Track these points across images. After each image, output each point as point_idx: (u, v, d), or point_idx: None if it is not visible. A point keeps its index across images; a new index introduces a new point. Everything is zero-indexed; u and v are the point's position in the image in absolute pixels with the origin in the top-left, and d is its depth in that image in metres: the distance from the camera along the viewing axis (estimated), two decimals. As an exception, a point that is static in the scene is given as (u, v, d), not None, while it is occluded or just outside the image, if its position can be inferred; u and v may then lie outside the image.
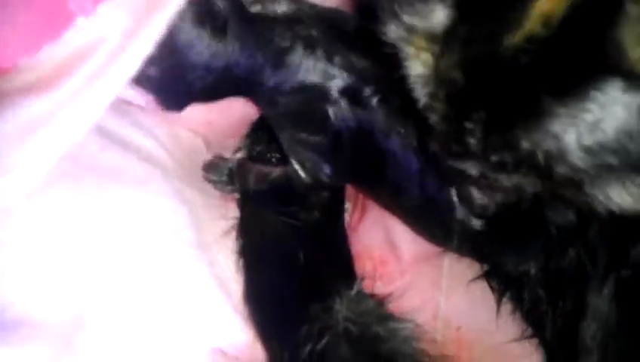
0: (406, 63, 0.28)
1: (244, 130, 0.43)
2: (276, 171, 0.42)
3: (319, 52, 0.34)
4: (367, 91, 0.35)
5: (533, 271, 0.36)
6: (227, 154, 0.45)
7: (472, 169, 0.30)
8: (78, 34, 0.30)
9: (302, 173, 0.39)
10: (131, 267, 0.31)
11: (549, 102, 0.24)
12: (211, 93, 0.35)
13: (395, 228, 0.41)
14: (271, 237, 0.37)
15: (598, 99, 0.23)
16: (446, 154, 0.30)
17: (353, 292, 0.33)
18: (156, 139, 0.39)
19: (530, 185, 0.29)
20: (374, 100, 0.35)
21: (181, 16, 0.30)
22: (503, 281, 0.40)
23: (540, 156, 0.25)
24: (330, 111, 0.35)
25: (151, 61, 0.30)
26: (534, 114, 0.25)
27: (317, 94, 0.35)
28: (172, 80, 0.34)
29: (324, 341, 0.30)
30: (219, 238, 0.36)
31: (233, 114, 0.41)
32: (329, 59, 0.35)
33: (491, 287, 0.41)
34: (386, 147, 0.36)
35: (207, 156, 0.44)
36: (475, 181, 0.32)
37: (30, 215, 0.30)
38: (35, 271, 0.30)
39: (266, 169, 0.43)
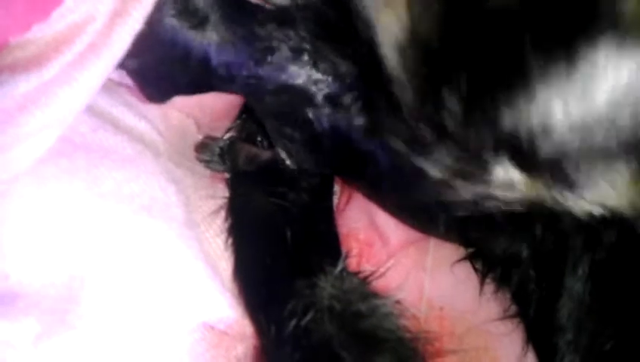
0: (379, 24, 0.26)
1: (234, 112, 0.44)
2: (265, 153, 0.43)
3: (305, 57, 0.34)
4: (350, 98, 0.35)
5: (525, 253, 0.37)
6: (218, 135, 0.45)
7: (435, 169, 0.29)
8: (67, 13, 0.30)
9: (287, 160, 0.40)
10: (122, 244, 0.31)
11: (535, 61, 0.22)
12: (193, 86, 0.36)
13: (380, 213, 0.42)
14: (259, 217, 0.37)
15: (589, 61, 0.21)
16: (412, 147, 0.29)
17: (337, 270, 0.34)
18: (147, 119, 0.40)
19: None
20: (356, 106, 0.35)
21: (161, 10, 0.31)
22: (487, 263, 0.41)
23: (524, 135, 0.23)
24: (312, 114, 0.35)
25: (133, 54, 0.30)
26: (519, 79, 0.22)
27: (301, 97, 0.35)
28: (154, 73, 0.34)
29: (308, 316, 0.31)
30: (208, 217, 0.37)
31: (223, 97, 0.41)
32: (314, 64, 0.34)
33: (475, 269, 0.42)
34: (366, 149, 0.36)
35: (198, 137, 0.44)
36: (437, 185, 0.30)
37: (25, 191, 0.31)
38: (30, 245, 0.30)
39: (255, 150, 0.44)
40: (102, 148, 0.34)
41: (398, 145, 0.31)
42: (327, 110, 0.36)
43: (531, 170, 0.26)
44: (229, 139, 0.44)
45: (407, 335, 0.32)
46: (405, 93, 0.26)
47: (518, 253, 0.38)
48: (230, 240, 0.36)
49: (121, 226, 0.32)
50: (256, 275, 0.34)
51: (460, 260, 0.41)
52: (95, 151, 0.33)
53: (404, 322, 0.33)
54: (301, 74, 0.34)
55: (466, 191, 0.31)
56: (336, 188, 0.45)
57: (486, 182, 0.29)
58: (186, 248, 0.33)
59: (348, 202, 0.44)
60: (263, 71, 0.34)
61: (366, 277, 0.36)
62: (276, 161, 0.41)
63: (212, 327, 0.32)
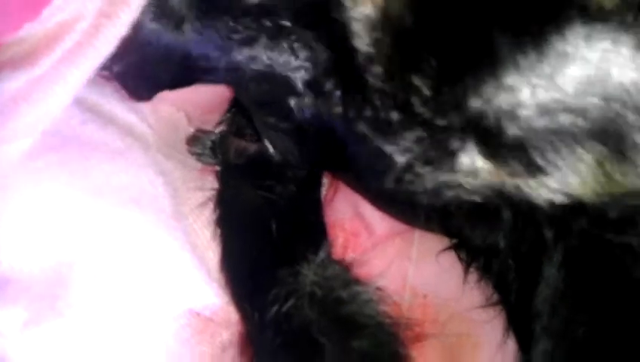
0: (353, 6, 0.26)
1: (224, 105, 0.45)
2: (254, 146, 0.44)
3: (284, 44, 0.34)
4: (330, 84, 0.34)
5: (502, 243, 0.38)
6: (209, 129, 0.46)
7: (400, 154, 0.29)
8: (56, 12, 0.31)
9: (273, 153, 0.41)
10: (110, 233, 0.33)
11: (504, 47, 0.22)
12: (177, 82, 0.37)
13: (365, 204, 0.43)
14: (246, 209, 0.38)
15: (557, 46, 0.22)
16: (378, 130, 0.29)
17: (320, 258, 0.35)
18: (137, 113, 0.41)
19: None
20: (336, 94, 0.35)
21: (142, 12, 0.32)
22: (470, 253, 0.42)
23: (491, 115, 0.24)
24: (293, 103, 0.36)
25: (117, 56, 0.31)
26: (488, 61, 0.22)
27: (282, 85, 0.35)
28: (137, 74, 0.35)
29: (289, 303, 0.32)
30: (196, 209, 0.38)
31: (213, 90, 0.42)
32: (293, 51, 0.34)
33: (460, 258, 0.42)
34: (347, 138, 0.37)
35: (190, 130, 0.45)
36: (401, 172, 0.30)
37: (16, 182, 0.32)
38: (21, 234, 0.32)
39: (244, 144, 0.45)
40: (92, 140, 0.35)
41: (364, 128, 0.31)
42: (308, 98, 0.36)
43: (496, 155, 0.26)
44: (221, 132, 0.46)
45: (387, 321, 0.33)
46: (376, 74, 0.26)
47: (496, 243, 0.39)
48: (217, 232, 0.37)
49: (109, 216, 0.33)
50: (241, 265, 0.36)
51: (444, 250, 0.42)
52: (85, 143, 0.34)
53: (384, 308, 0.34)
54: (280, 61, 0.35)
55: (430, 178, 0.31)
56: (325, 180, 0.46)
57: (450, 169, 0.29)
58: (172, 238, 0.34)
59: (335, 193, 0.45)
60: (243, 60, 0.35)
61: (348, 265, 0.36)
62: (264, 154, 0.42)
63: (198, 314, 0.34)
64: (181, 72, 0.36)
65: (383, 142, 0.30)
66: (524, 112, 0.23)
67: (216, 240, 0.37)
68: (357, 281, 0.35)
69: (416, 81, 0.24)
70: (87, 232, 0.32)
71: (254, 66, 0.36)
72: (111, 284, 0.32)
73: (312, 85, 0.36)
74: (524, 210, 0.33)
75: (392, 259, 0.43)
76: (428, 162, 0.29)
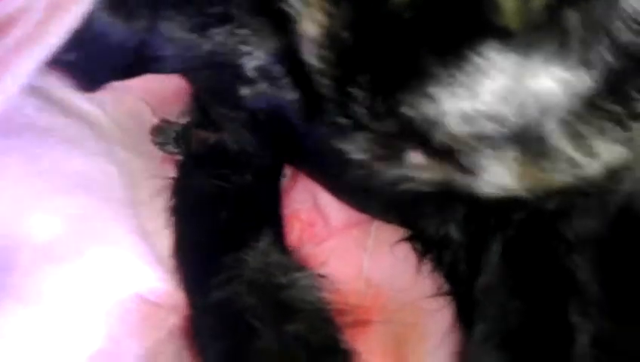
0: (301, 25, 0.28)
1: (184, 95, 0.45)
2: (214, 136, 0.45)
3: (233, 31, 0.35)
4: (280, 71, 0.35)
5: (454, 235, 0.39)
6: (173, 119, 0.47)
7: (356, 152, 0.31)
8: (6, 3, 0.32)
9: (230, 143, 0.42)
10: (58, 216, 0.34)
11: (429, 62, 0.25)
12: (129, 71, 0.38)
13: (323, 195, 0.44)
14: (199, 197, 0.39)
15: (475, 61, 0.24)
16: (334, 131, 0.31)
17: (263, 244, 0.35)
18: (97, 102, 0.42)
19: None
20: (285, 80, 0.36)
21: (94, 3, 0.33)
22: (425, 244, 0.43)
23: (419, 122, 0.26)
24: (245, 91, 0.37)
25: (68, 47, 0.32)
26: (415, 75, 0.25)
27: (232, 73, 0.36)
28: (92, 64, 0.36)
29: (230, 288, 0.33)
30: (151, 197, 0.39)
31: (172, 80, 0.43)
32: (242, 39, 0.35)
33: (415, 249, 0.43)
34: (300, 128, 0.37)
35: (154, 120, 0.46)
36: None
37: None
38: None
39: (206, 134, 0.46)
40: (46, 128, 0.36)
41: (322, 128, 0.32)
42: (260, 86, 0.37)
43: (433, 156, 0.29)
44: (184, 123, 0.46)
45: (326, 307, 0.34)
46: (324, 85, 0.29)
47: (449, 234, 0.39)
48: (170, 219, 0.38)
49: (57, 200, 0.34)
50: (190, 251, 0.36)
51: (399, 241, 0.43)
52: (39, 130, 0.35)
53: (325, 295, 0.35)
54: (229, 48, 0.35)
55: (385, 173, 0.33)
56: (288, 170, 0.47)
57: (402, 165, 0.31)
58: (119, 224, 0.35)
59: (295, 183, 0.46)
60: (193, 48, 0.36)
61: (292, 253, 0.37)
62: (223, 144, 0.43)
63: (145, 299, 0.34)
64: (133, 61, 0.37)
65: (338, 141, 0.31)
66: (448, 120, 0.26)
67: (169, 227, 0.38)
68: (299, 268, 0.35)
69: (355, 92, 0.27)
70: (34, 214, 0.33)
71: (203, 54, 0.36)
72: (57, 267, 0.33)
73: (262, 72, 0.37)
74: (470, 201, 0.34)
75: (347, 249, 0.43)
76: (381, 158, 0.31)
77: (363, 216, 0.44)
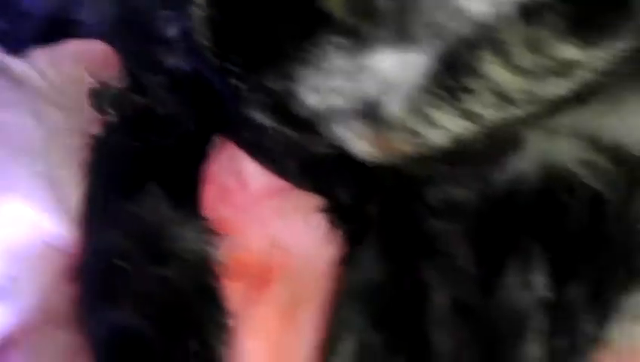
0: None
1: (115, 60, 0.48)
2: (143, 100, 0.47)
3: None
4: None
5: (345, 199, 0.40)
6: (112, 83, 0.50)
7: (259, 116, 0.33)
8: None
9: (156, 106, 0.43)
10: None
11: (287, 45, 0.28)
12: (51, 36, 0.40)
13: (245, 160, 0.45)
14: (113, 154, 0.41)
15: (319, 43, 0.28)
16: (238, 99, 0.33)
17: (162, 201, 0.37)
18: (34, 66, 0.44)
19: None
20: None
21: None
22: (338, 212, 0.44)
23: (282, 95, 0.30)
24: (163, 54, 0.38)
25: None
26: (275, 55, 0.29)
27: (150, 37, 0.38)
28: (14, 29, 0.39)
29: (112, 236, 0.34)
30: (72, 153, 0.42)
31: (103, 46, 0.45)
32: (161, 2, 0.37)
33: (331, 221, 0.44)
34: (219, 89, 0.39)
35: (93, 84, 0.49)
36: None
37: None
38: None
39: (139, 98, 0.48)
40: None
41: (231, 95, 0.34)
42: (179, 51, 0.39)
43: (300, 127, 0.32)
44: (119, 88, 0.49)
45: (208, 258, 0.35)
46: (214, 62, 0.32)
47: (362, 205, 0.40)
48: (83, 172, 0.41)
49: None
50: (92, 201, 0.39)
51: (315, 210, 0.44)
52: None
53: (210, 249, 0.36)
54: (147, 9, 0.37)
55: (292, 137, 0.34)
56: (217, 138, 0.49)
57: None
58: (27, 172, 0.37)
59: (220, 150, 0.47)
60: (111, 11, 0.38)
61: (198, 213, 0.39)
62: (151, 108, 0.45)
63: (46, 243, 0.37)
64: (53, 26, 0.39)
65: (245, 107, 0.33)
66: (306, 97, 0.30)
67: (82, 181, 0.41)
68: (196, 224, 0.37)
69: (231, 67, 0.31)
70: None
71: (121, 16, 0.38)
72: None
73: (181, 37, 0.38)
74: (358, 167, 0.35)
75: (262, 214, 0.45)
76: (283, 124, 0.32)
77: (285, 184, 0.46)
